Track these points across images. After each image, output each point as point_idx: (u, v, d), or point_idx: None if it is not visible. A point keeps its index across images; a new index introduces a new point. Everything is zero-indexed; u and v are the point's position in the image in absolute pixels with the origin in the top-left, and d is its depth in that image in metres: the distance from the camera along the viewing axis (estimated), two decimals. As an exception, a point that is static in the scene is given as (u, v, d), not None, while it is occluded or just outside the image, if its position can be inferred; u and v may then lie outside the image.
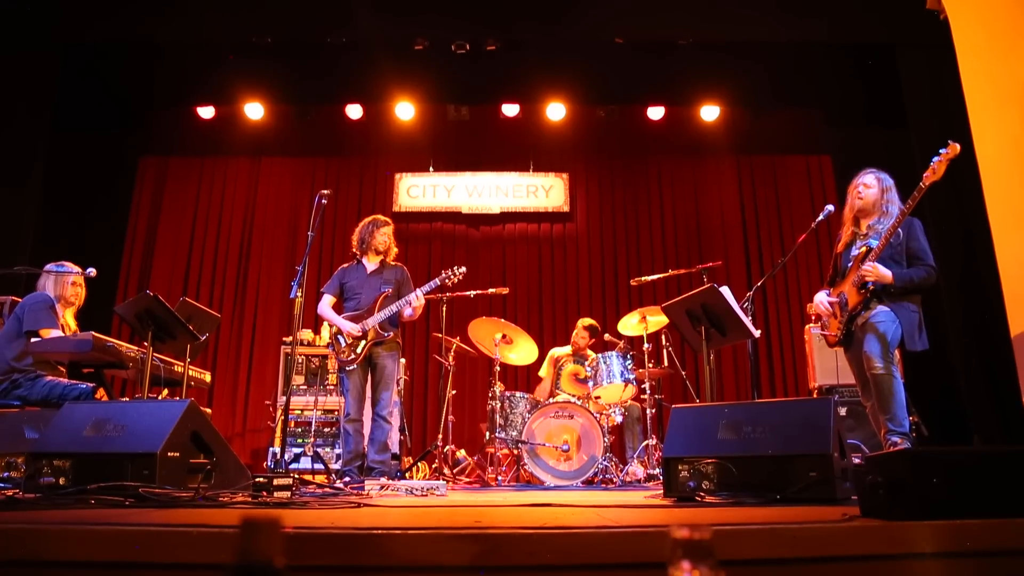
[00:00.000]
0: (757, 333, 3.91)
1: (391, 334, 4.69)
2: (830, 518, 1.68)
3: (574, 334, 6.06)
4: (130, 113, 7.25)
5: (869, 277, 3.57)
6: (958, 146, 3.46)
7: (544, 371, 6.11)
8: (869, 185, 3.79)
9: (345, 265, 4.98)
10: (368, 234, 4.89)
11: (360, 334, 4.62)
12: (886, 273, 3.55)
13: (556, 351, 6.15)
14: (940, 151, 3.46)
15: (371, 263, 4.89)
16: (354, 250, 4.95)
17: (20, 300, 4.48)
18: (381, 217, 5.01)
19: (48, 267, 4.48)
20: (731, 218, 7.84)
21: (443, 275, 4.85)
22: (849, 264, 3.75)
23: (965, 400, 5.38)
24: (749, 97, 7.11)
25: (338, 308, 4.85)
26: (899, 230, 3.61)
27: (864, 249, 3.66)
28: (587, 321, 6.10)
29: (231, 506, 2.31)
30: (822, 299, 3.87)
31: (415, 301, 4.69)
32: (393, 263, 4.95)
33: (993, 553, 1.50)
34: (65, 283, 4.46)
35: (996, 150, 4.72)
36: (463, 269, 4.92)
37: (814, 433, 2.52)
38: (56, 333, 4.23)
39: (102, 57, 6.36)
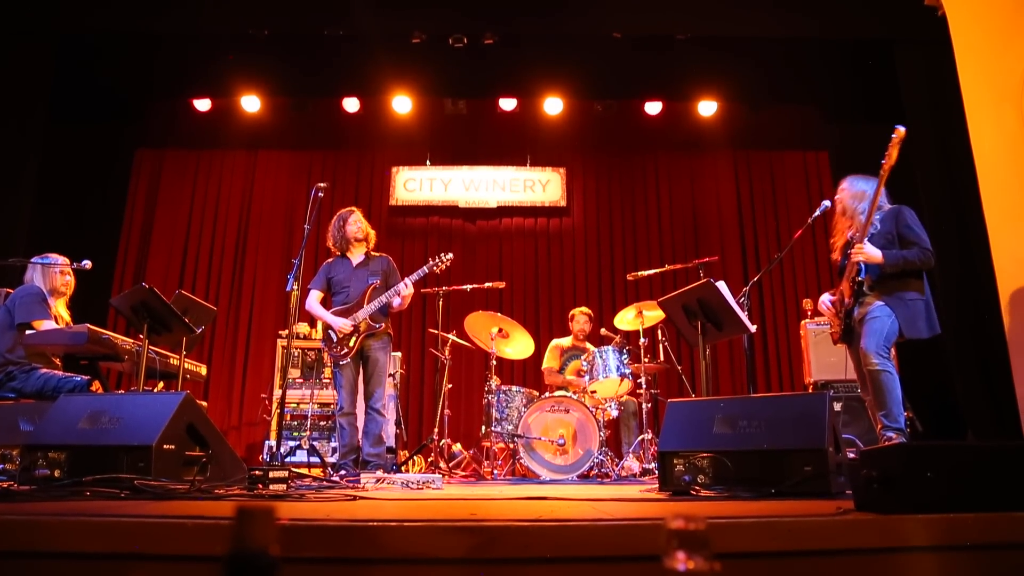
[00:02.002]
0: (753, 328, 3.92)
1: (382, 325, 4.69)
2: (824, 512, 1.68)
3: (575, 324, 6.08)
4: (126, 105, 7.21)
5: (858, 257, 3.63)
6: (903, 129, 3.57)
7: (551, 361, 6.04)
8: (841, 190, 4.00)
9: (330, 260, 4.95)
10: (338, 230, 4.86)
11: (351, 330, 4.61)
12: (875, 253, 3.60)
13: (558, 341, 6.14)
14: (892, 136, 3.56)
15: (356, 256, 4.88)
16: (335, 252, 4.94)
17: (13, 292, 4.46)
18: (344, 210, 4.97)
19: (34, 260, 4.46)
20: (728, 213, 7.84)
21: (430, 263, 4.86)
22: (846, 262, 3.79)
23: (960, 395, 5.39)
24: (747, 93, 7.11)
25: (326, 303, 4.84)
26: (883, 219, 3.71)
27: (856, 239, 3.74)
28: (585, 308, 6.19)
29: (226, 498, 2.31)
30: (824, 300, 3.98)
31: (404, 291, 4.68)
32: (378, 253, 4.94)
33: (986, 547, 1.51)
34: (54, 273, 4.44)
35: (993, 146, 4.74)
36: (450, 255, 4.92)
37: (809, 428, 2.52)
38: (49, 324, 4.21)
39: (98, 48, 6.32)
